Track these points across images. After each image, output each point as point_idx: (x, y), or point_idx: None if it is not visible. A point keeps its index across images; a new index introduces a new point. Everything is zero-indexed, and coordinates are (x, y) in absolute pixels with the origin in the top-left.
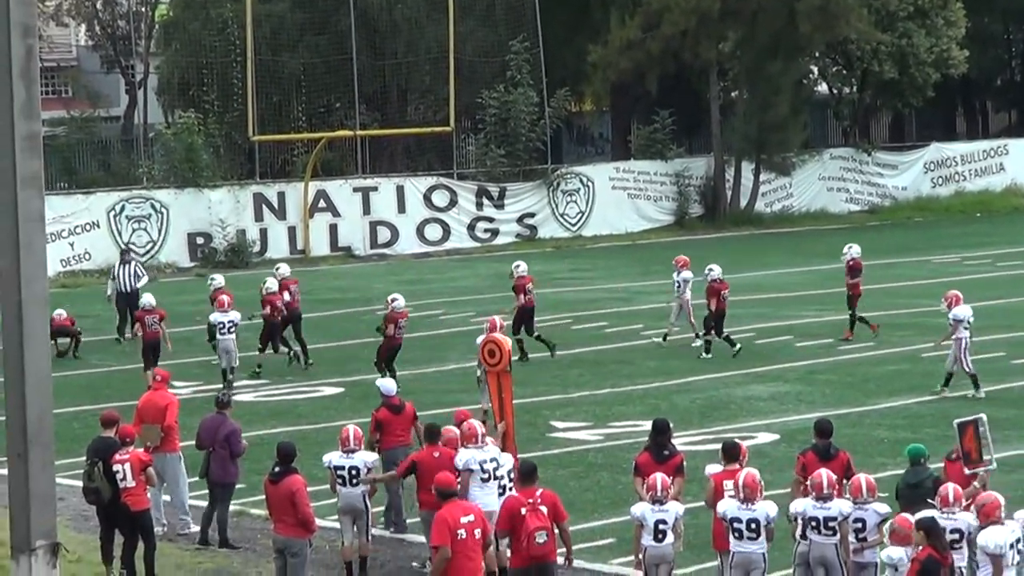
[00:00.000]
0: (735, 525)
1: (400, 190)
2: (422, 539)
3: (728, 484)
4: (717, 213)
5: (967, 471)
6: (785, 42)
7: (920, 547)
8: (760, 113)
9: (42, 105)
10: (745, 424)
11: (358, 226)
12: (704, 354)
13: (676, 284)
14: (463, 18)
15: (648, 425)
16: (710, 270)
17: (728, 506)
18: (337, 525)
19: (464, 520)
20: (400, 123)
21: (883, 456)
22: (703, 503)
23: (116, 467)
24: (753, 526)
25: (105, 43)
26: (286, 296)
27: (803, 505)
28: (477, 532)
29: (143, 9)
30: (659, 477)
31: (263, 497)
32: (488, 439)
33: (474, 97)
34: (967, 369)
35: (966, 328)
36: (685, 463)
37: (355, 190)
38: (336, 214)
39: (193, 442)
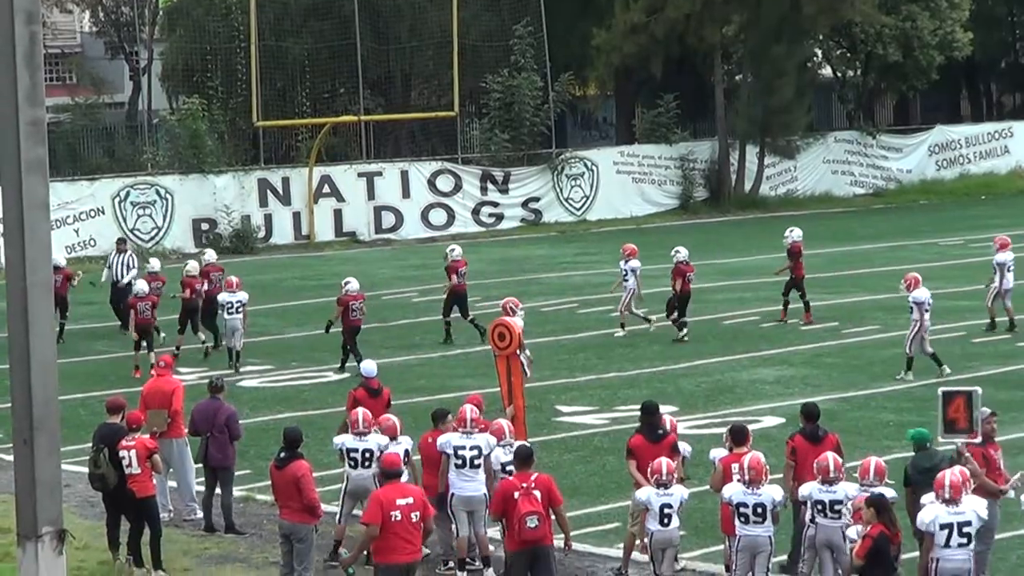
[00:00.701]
0: (741, 509)
1: (404, 175)
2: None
3: (736, 467)
4: (722, 197)
5: (940, 438)
6: (789, 25)
7: (871, 524)
8: (764, 96)
9: (46, 92)
10: (751, 408)
11: (363, 211)
12: (682, 336)
13: (623, 272)
14: (467, 2)
15: None
16: (676, 252)
17: (734, 490)
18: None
19: (401, 502)
20: (404, 108)
21: (889, 439)
22: (708, 487)
23: (122, 453)
24: (759, 510)
25: (109, 29)
26: (209, 284)
27: (809, 489)
28: (414, 515)
29: None
30: (664, 461)
31: (269, 483)
32: (476, 428)
33: (478, 82)
34: (907, 351)
35: (926, 310)
36: (690, 448)
37: (359, 175)
38: (340, 199)
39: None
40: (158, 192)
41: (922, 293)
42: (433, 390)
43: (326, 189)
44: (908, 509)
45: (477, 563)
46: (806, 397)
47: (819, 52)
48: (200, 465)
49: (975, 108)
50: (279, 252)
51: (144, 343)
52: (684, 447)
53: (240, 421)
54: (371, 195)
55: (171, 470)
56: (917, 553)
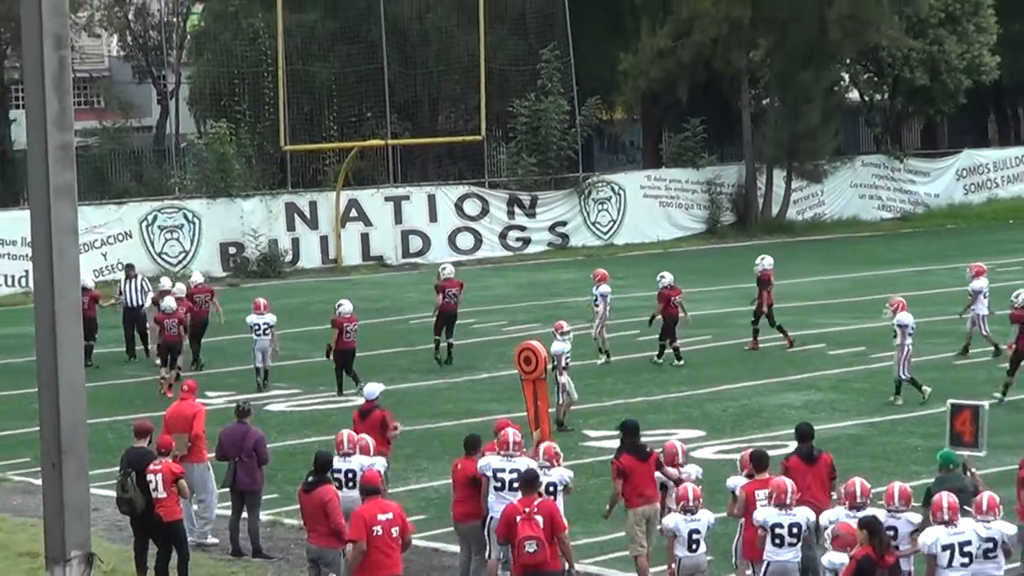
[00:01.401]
0: (776, 531)
1: (432, 199)
2: (454, 548)
3: (760, 494)
4: (749, 221)
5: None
6: (816, 50)
7: (860, 546)
8: (791, 120)
9: (75, 116)
10: (778, 432)
11: (390, 235)
12: (676, 361)
13: (594, 298)
14: (494, 27)
15: (682, 433)
16: (662, 277)
17: (767, 513)
18: None
19: (381, 517)
20: (431, 132)
21: (917, 464)
22: (724, 514)
23: (149, 477)
24: (795, 530)
25: (137, 54)
26: (195, 305)
27: (835, 514)
28: (394, 530)
29: (175, 20)
30: (690, 487)
31: (297, 507)
32: (517, 451)
33: (505, 106)
34: (896, 376)
35: (910, 334)
36: (700, 470)
37: (387, 199)
38: (368, 223)
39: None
40: (186, 216)
41: (906, 317)
42: (460, 414)
43: (353, 213)
44: None
45: None
46: (834, 422)
47: (846, 76)
48: (227, 489)
49: (1003, 132)
50: (306, 276)
51: (170, 358)
52: (694, 469)
53: (268, 445)
54: (398, 219)
55: (194, 494)
56: None
